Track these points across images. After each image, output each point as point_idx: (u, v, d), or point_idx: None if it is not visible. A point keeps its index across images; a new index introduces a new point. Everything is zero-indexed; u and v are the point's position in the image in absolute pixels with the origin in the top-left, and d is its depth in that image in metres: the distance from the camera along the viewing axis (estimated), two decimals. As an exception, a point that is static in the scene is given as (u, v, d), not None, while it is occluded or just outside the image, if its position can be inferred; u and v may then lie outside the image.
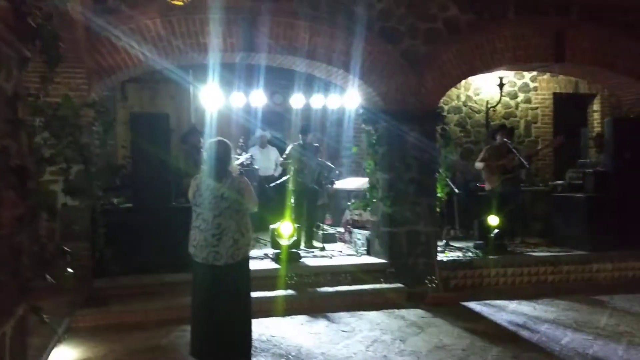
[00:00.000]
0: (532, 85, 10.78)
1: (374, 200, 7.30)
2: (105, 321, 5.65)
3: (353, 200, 8.49)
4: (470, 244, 8.02)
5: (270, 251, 7.29)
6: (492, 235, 7.58)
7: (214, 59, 6.86)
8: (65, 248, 4.62)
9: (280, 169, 9.03)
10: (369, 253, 7.43)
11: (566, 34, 7.47)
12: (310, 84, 9.62)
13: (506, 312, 6.21)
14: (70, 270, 4.81)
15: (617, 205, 7.66)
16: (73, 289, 5.37)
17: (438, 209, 7.38)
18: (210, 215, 4.33)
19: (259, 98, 9.59)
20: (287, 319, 5.94)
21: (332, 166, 8.79)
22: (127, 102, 9.74)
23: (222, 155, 4.38)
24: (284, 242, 6.86)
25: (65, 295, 5.28)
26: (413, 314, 6.08)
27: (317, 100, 9.94)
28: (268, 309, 6.09)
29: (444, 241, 7.99)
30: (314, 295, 6.48)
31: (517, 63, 7.61)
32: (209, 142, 4.57)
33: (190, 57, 6.71)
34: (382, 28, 7.00)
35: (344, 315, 6.00)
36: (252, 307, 4.60)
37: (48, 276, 2.80)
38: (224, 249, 4.32)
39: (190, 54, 6.55)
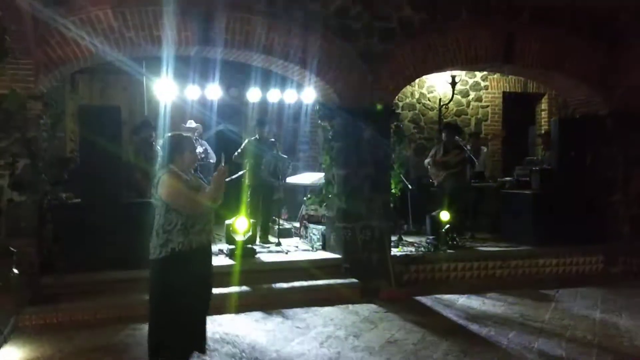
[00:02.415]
0: (483, 84, 11.07)
1: (330, 196, 7.35)
2: (54, 320, 5.53)
3: (309, 195, 8.52)
4: (423, 239, 8.19)
5: (225, 247, 7.25)
6: (443, 230, 7.77)
7: (168, 51, 6.74)
8: (11, 248, 4.49)
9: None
10: (324, 248, 7.49)
11: (516, 36, 7.68)
12: (267, 78, 9.57)
13: (456, 306, 6.38)
14: (15, 270, 4.69)
15: (562, 202, 7.96)
16: (19, 288, 5.25)
17: (392, 205, 7.51)
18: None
19: (214, 91, 9.48)
20: (242, 315, 5.93)
21: (288, 159, 8.76)
22: (77, 94, 9.46)
23: (163, 148, 4.18)
24: (239, 237, 6.84)
25: (11, 293, 5.14)
26: (367, 309, 6.18)
27: (274, 95, 9.90)
28: (222, 306, 6.05)
29: (397, 236, 8.13)
30: (269, 292, 6.49)
31: (469, 63, 7.78)
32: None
33: (144, 49, 6.57)
34: (339, 26, 7.02)
35: (298, 312, 6.04)
36: (170, 313, 3.99)
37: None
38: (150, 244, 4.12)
39: (143, 46, 6.41)
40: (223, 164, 4.11)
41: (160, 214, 3.96)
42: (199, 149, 8.31)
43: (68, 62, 6.11)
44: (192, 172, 4.27)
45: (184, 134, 4.26)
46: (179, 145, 4.05)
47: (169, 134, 4.18)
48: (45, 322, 5.48)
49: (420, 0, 7.29)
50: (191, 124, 9.23)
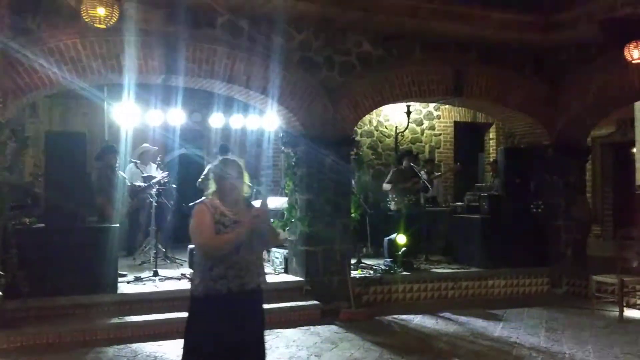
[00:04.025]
0: (435, 113, 11.65)
1: (293, 220, 7.61)
2: (17, 343, 5.57)
3: (272, 220, 8.71)
4: (381, 261, 8.52)
5: (188, 271, 7.37)
6: (400, 253, 8.12)
7: (133, 79, 6.92)
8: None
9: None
10: (286, 271, 7.71)
11: (465, 72, 8.21)
12: (229, 104, 9.80)
13: (412, 325, 6.71)
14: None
15: (508, 226, 8.46)
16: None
17: (351, 228, 7.82)
18: None
19: (177, 116, 9.63)
20: (206, 338, 6.05)
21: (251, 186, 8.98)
22: (37, 117, 9.44)
23: (207, 174, 3.72)
24: (202, 261, 6.97)
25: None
26: (328, 330, 6.42)
27: (237, 121, 10.14)
28: (182, 329, 6.18)
29: (356, 259, 8.43)
30: (232, 314, 6.64)
31: (423, 96, 8.26)
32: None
33: (110, 77, 6.75)
34: (302, 58, 7.39)
35: (261, 333, 6.22)
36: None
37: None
38: None
39: (109, 75, 6.58)
40: (262, 203, 3.52)
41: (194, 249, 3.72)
42: (163, 174, 8.41)
43: (35, 90, 6.22)
44: (241, 204, 3.53)
45: (232, 159, 3.59)
46: (220, 172, 3.48)
47: (219, 159, 3.60)
48: (8, 345, 5.50)
49: (377, 38, 7.74)
50: (145, 147, 9.16)
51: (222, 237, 3.33)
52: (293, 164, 7.66)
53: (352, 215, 7.81)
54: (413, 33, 7.71)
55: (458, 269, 8.44)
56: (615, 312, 7.11)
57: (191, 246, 7.28)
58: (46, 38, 6.13)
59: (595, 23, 6.87)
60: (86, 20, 5.65)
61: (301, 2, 6.71)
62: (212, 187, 3.51)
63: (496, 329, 6.55)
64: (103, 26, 5.74)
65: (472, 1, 7.40)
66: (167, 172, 8.52)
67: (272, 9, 6.79)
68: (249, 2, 6.63)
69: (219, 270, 3.32)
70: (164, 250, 8.37)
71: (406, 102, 9.69)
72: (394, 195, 8.89)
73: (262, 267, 3.58)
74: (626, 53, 6.62)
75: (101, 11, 5.61)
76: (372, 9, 7.01)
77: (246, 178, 3.53)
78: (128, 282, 6.98)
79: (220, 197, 3.45)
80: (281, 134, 8.00)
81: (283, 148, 8.08)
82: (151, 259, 8.13)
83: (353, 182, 8.06)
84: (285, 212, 7.94)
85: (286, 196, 8.11)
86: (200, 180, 8.41)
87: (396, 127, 11.30)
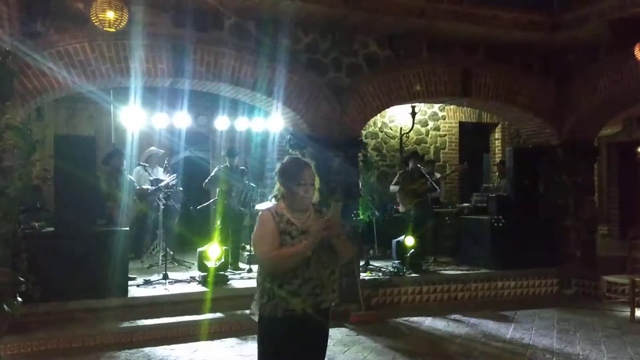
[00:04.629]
0: (440, 114, 11.61)
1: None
2: (28, 349, 5.57)
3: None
4: (389, 263, 8.49)
5: (197, 274, 7.35)
6: (408, 255, 8.09)
7: (141, 83, 6.91)
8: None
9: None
10: (294, 274, 7.67)
11: (472, 72, 8.19)
12: (234, 106, 9.78)
13: (423, 328, 6.68)
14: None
15: (517, 227, 8.42)
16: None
17: (359, 230, 7.79)
18: None
19: (182, 119, 9.60)
20: (216, 342, 6.04)
21: (256, 187, 8.95)
22: (43, 121, 9.41)
23: (276, 176, 3.18)
24: (211, 264, 6.97)
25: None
26: (338, 332, 6.39)
27: (242, 123, 10.11)
28: (196, 333, 6.19)
29: (364, 261, 8.40)
30: (242, 318, 6.58)
31: (430, 97, 8.24)
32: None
33: (118, 81, 6.74)
34: (309, 60, 7.38)
35: (272, 336, 6.19)
36: None
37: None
38: None
39: (118, 78, 6.57)
40: (330, 214, 2.98)
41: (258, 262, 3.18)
42: (172, 177, 8.41)
43: (45, 93, 6.21)
44: (315, 210, 3.14)
45: (303, 160, 3.21)
46: (290, 175, 3.05)
47: (285, 160, 3.20)
48: (19, 351, 5.50)
49: (384, 38, 7.72)
50: (152, 150, 9.14)
51: (285, 251, 2.93)
52: (300, 166, 7.61)
53: (361, 217, 7.78)
54: (420, 33, 7.69)
55: (467, 270, 8.40)
56: (626, 312, 7.08)
57: (201, 249, 7.26)
58: (55, 41, 6.13)
59: (605, 23, 6.85)
60: (95, 23, 5.65)
61: (308, 3, 6.68)
62: (276, 191, 3.11)
63: (508, 331, 6.52)
64: (112, 29, 5.74)
65: (480, 1, 7.38)
66: (175, 175, 8.50)
67: (279, 11, 6.78)
68: (257, 5, 6.61)
69: (292, 287, 2.92)
70: (171, 253, 8.35)
71: (414, 103, 9.66)
72: (402, 197, 8.86)
73: (337, 283, 3.12)
74: (636, 52, 6.59)
75: (110, 15, 5.61)
76: (379, 9, 6.99)
77: (317, 182, 3.11)
78: (138, 286, 6.97)
79: (287, 204, 3.04)
80: (288, 136, 7.97)
81: (290, 150, 8.05)
82: (159, 261, 8.13)
83: (360, 184, 8.03)
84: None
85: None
86: (206, 181, 8.41)
87: (401, 128, 11.27)
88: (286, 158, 3.21)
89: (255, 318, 3.06)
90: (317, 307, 2.98)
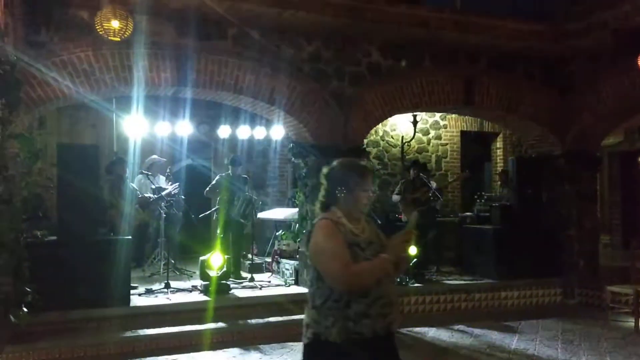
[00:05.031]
0: (442, 123, 11.60)
1: (304, 231, 7.55)
2: (30, 359, 5.51)
3: (282, 231, 8.70)
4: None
5: (199, 283, 7.32)
6: (411, 264, 8.05)
7: (144, 91, 6.91)
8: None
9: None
10: (297, 283, 7.65)
11: (475, 81, 8.20)
12: (236, 115, 9.81)
13: (427, 338, 6.65)
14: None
15: (520, 237, 8.40)
16: None
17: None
18: None
19: (185, 128, 9.62)
20: (219, 352, 6.01)
21: (257, 200, 8.94)
22: (45, 129, 9.40)
23: (327, 181, 2.80)
24: (213, 273, 6.93)
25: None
26: (342, 343, 6.34)
27: (244, 131, 10.13)
28: (198, 343, 6.15)
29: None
30: (245, 328, 6.58)
31: (433, 105, 8.26)
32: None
33: (122, 90, 6.74)
34: (312, 69, 7.38)
35: (275, 347, 6.17)
36: None
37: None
38: None
39: (122, 87, 6.57)
40: (412, 224, 2.77)
41: (312, 279, 2.73)
42: (175, 185, 8.39)
43: (48, 102, 6.21)
44: (368, 217, 2.89)
45: (363, 163, 2.89)
46: (354, 181, 2.72)
47: (338, 161, 2.83)
48: (21, 362, 5.45)
49: (387, 48, 7.73)
50: (154, 159, 9.04)
51: (365, 266, 2.58)
52: (304, 175, 7.62)
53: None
54: (423, 43, 7.72)
55: (470, 280, 8.36)
56: (630, 322, 7.05)
57: (203, 257, 7.23)
58: (59, 51, 6.13)
59: (608, 32, 6.87)
60: (100, 33, 5.66)
61: (312, 14, 6.70)
62: (324, 197, 2.75)
63: (512, 342, 6.48)
64: (117, 39, 5.75)
65: (483, 11, 7.40)
66: (177, 184, 8.49)
67: (282, 21, 6.79)
68: (260, 14, 6.63)
69: (360, 307, 2.56)
70: (173, 261, 8.32)
71: (417, 111, 9.66)
72: (404, 206, 8.83)
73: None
74: (639, 62, 6.60)
75: (115, 24, 5.62)
76: (383, 19, 7.01)
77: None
78: (140, 295, 6.94)
79: (345, 212, 2.70)
80: (290, 145, 7.96)
81: (293, 159, 8.05)
82: (161, 270, 8.10)
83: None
84: (291, 223, 7.89)
85: (294, 207, 8.07)
86: (207, 189, 8.38)
87: (402, 137, 11.26)
88: (339, 161, 2.81)
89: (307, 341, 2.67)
90: (387, 329, 2.63)
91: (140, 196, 8.37)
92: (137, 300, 6.73)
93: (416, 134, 11.20)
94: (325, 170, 2.79)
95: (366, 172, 2.75)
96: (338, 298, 2.57)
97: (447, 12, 7.29)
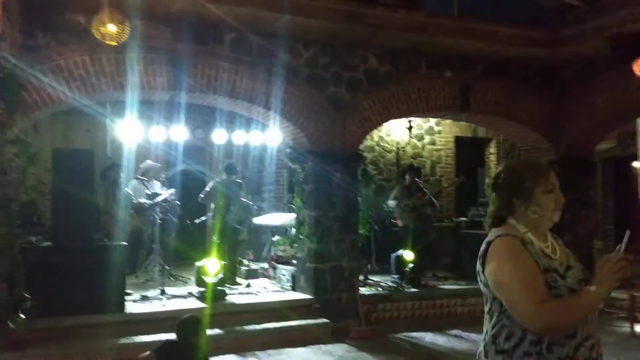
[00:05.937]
0: (436, 128, 11.65)
1: (301, 237, 7.54)
2: (26, 366, 5.43)
3: (277, 237, 8.67)
4: (387, 278, 8.45)
5: (195, 289, 7.27)
6: (407, 269, 8.06)
7: (140, 96, 6.88)
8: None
9: None
10: (294, 289, 7.62)
11: (471, 87, 8.22)
12: (232, 120, 9.76)
13: (424, 343, 6.65)
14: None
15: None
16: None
17: (359, 245, 7.76)
18: None
19: (180, 133, 9.55)
20: (216, 358, 5.95)
21: (253, 206, 8.91)
22: (39, 134, 9.32)
23: (495, 188, 2.23)
24: (210, 279, 6.89)
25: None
26: (339, 349, 6.34)
27: (239, 136, 10.08)
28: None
29: (363, 275, 8.36)
30: (241, 334, 6.55)
31: (430, 111, 8.28)
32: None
33: (118, 94, 6.70)
34: (309, 74, 7.38)
35: (272, 353, 6.14)
36: None
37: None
38: None
39: (118, 91, 6.54)
40: (622, 248, 2.08)
41: (492, 311, 2.13)
42: (170, 191, 8.33)
43: (44, 107, 6.15)
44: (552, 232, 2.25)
45: (537, 160, 2.30)
46: (530, 181, 2.14)
47: (504, 165, 2.24)
48: (16, 369, 5.38)
49: (384, 53, 7.75)
50: (149, 164, 8.95)
51: (567, 305, 2.00)
52: (301, 180, 7.61)
53: (361, 231, 7.75)
54: (420, 48, 7.73)
55: (466, 285, 8.37)
56: (625, 327, 7.08)
57: (199, 263, 7.18)
58: (55, 55, 6.08)
59: (604, 38, 6.92)
60: (97, 37, 5.61)
61: (310, 19, 6.70)
62: (494, 211, 2.18)
63: (509, 347, 6.47)
64: (114, 43, 5.70)
65: (479, 17, 7.44)
66: (173, 190, 8.43)
67: (280, 26, 6.78)
68: (257, 19, 6.62)
69: (565, 350, 2.01)
70: (167, 268, 8.25)
71: (413, 117, 9.69)
72: (400, 212, 8.84)
73: None
74: (635, 68, 6.65)
75: (112, 28, 5.57)
76: (380, 25, 7.02)
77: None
78: (134, 301, 6.88)
79: (529, 227, 2.13)
80: (288, 150, 7.95)
81: (290, 164, 8.03)
82: (155, 276, 8.03)
83: (359, 198, 8.01)
84: (287, 229, 7.87)
85: (290, 212, 8.05)
86: (201, 195, 8.31)
87: (397, 143, 11.29)
88: (506, 164, 2.24)
89: None
90: None
91: (135, 202, 8.31)
92: (132, 307, 6.67)
93: (411, 139, 11.25)
94: (489, 180, 2.25)
95: (545, 169, 2.18)
96: (536, 340, 2.00)
97: (444, 18, 7.32)
